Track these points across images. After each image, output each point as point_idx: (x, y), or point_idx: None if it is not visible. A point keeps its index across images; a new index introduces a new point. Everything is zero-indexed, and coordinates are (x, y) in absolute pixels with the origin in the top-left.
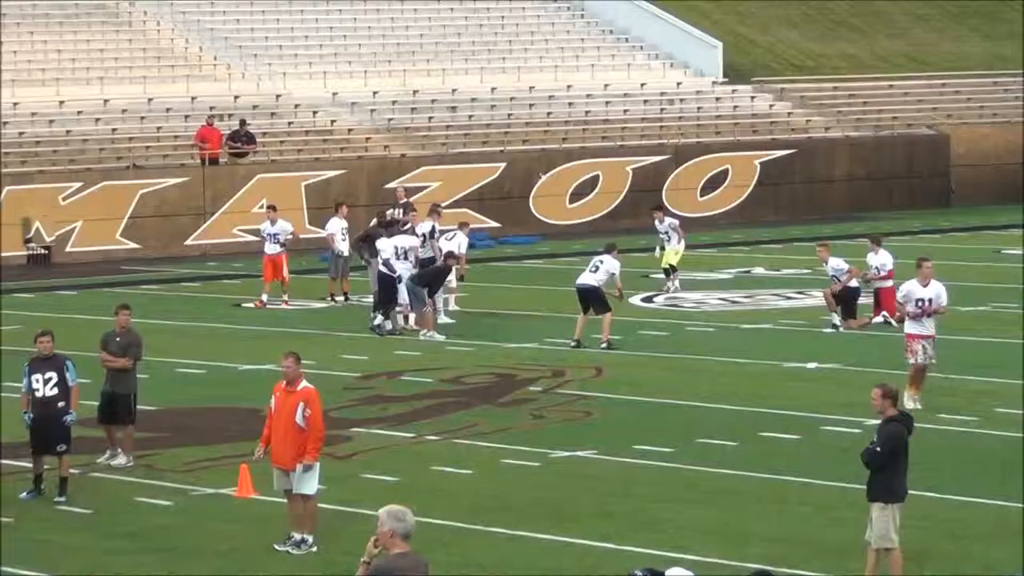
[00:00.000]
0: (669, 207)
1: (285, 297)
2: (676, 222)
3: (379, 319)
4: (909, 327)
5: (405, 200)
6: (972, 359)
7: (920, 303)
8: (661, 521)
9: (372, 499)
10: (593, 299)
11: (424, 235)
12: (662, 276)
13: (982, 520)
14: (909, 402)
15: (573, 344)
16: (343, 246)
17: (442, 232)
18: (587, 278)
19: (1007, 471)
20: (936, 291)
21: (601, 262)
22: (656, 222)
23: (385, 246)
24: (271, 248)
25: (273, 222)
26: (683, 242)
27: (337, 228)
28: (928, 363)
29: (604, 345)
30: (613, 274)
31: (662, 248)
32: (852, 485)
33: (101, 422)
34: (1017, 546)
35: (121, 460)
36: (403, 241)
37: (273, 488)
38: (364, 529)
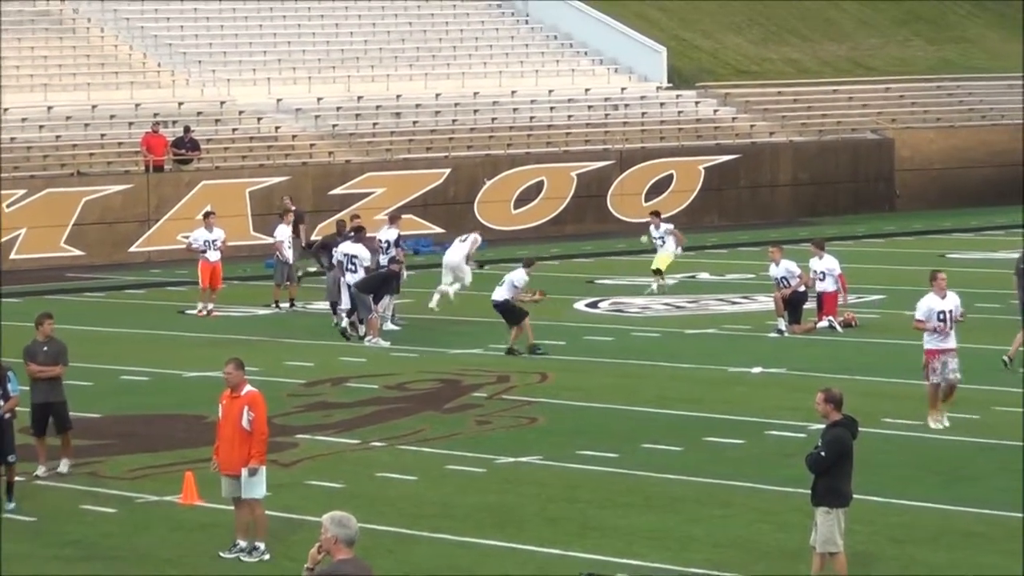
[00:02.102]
0: (614, 213)
1: (211, 306)
2: (672, 227)
3: (345, 322)
4: (929, 343)
5: (293, 208)
6: (916, 363)
7: (941, 315)
8: (606, 526)
9: (317, 506)
10: (505, 312)
11: (388, 242)
12: (650, 277)
13: (926, 524)
14: (933, 423)
15: (506, 352)
16: (289, 253)
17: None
18: (497, 293)
19: (951, 475)
20: (955, 302)
21: (510, 280)
22: (652, 227)
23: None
24: (214, 256)
25: (211, 229)
26: (680, 248)
27: (285, 235)
28: (954, 379)
29: (530, 346)
30: (516, 286)
31: (653, 251)
32: (797, 489)
33: (37, 434)
34: (961, 550)
35: (66, 466)
36: (351, 249)
37: (220, 495)
38: (309, 535)
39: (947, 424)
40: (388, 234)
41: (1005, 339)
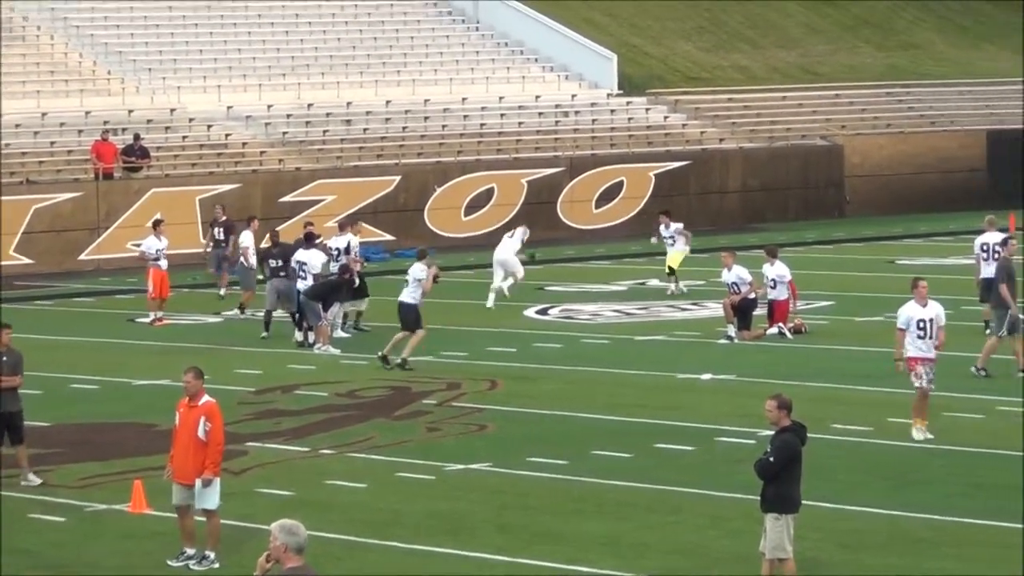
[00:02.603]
0: (565, 219)
1: (161, 314)
2: (681, 226)
3: (299, 336)
4: (912, 350)
5: (225, 218)
6: (866, 369)
7: (922, 323)
8: (556, 533)
9: (267, 513)
10: (407, 316)
11: (339, 249)
12: (664, 279)
13: (876, 530)
14: (919, 434)
15: (379, 356)
16: (255, 259)
17: None
18: (404, 295)
19: (900, 480)
20: (936, 311)
21: (412, 275)
22: (662, 227)
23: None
24: (164, 263)
25: (160, 237)
26: (688, 246)
27: (250, 241)
28: (930, 388)
29: (399, 362)
30: (420, 279)
31: (664, 252)
32: (746, 496)
33: None
34: (910, 555)
35: (34, 478)
36: (301, 256)
37: (169, 503)
38: (259, 544)
39: (930, 436)
40: (339, 241)
41: (954, 344)
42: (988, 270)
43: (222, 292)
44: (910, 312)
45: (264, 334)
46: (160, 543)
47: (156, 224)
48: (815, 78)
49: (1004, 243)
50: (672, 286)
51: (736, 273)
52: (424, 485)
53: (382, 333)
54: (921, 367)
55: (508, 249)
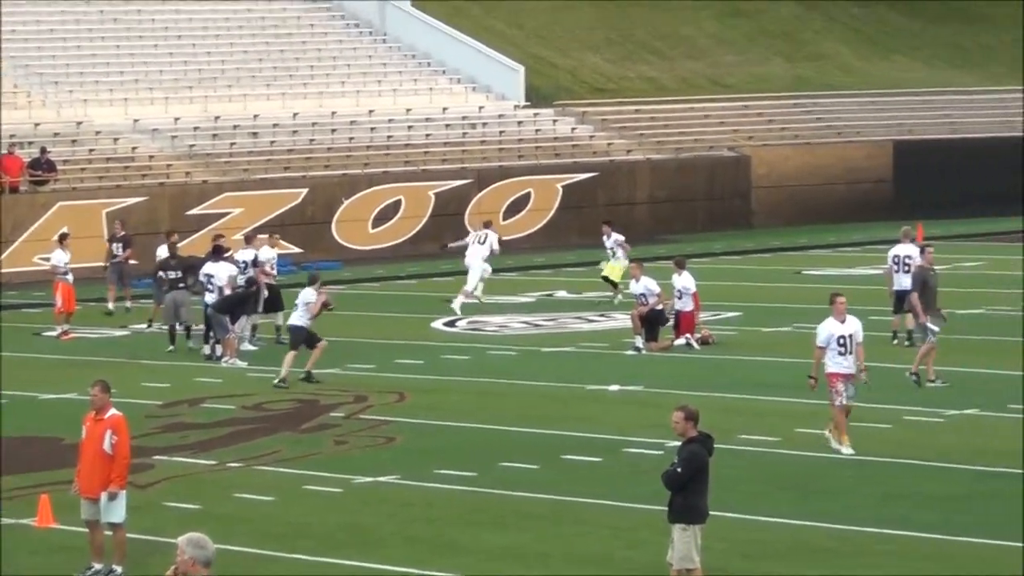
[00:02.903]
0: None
1: (67, 327)
2: (622, 238)
3: (207, 349)
4: (831, 366)
5: (123, 233)
6: (773, 379)
7: (841, 340)
8: (462, 545)
9: (174, 527)
10: (299, 338)
11: (246, 263)
12: (606, 289)
13: (780, 540)
14: (841, 447)
15: (276, 383)
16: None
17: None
18: (293, 318)
19: (805, 491)
20: (855, 327)
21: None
22: (604, 237)
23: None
24: (71, 277)
25: (66, 251)
26: (627, 259)
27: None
28: (850, 403)
29: (304, 375)
30: (308, 303)
31: (606, 261)
32: (653, 506)
33: None
34: (815, 566)
35: None
36: (208, 268)
37: (76, 518)
38: (166, 557)
39: (852, 451)
40: (245, 254)
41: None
42: (900, 281)
43: (110, 306)
44: (830, 329)
45: (171, 348)
46: (67, 557)
47: (62, 238)
48: (722, 89)
49: (922, 252)
50: (617, 297)
51: (644, 284)
52: (331, 498)
53: (282, 346)
54: (841, 383)
55: (479, 254)
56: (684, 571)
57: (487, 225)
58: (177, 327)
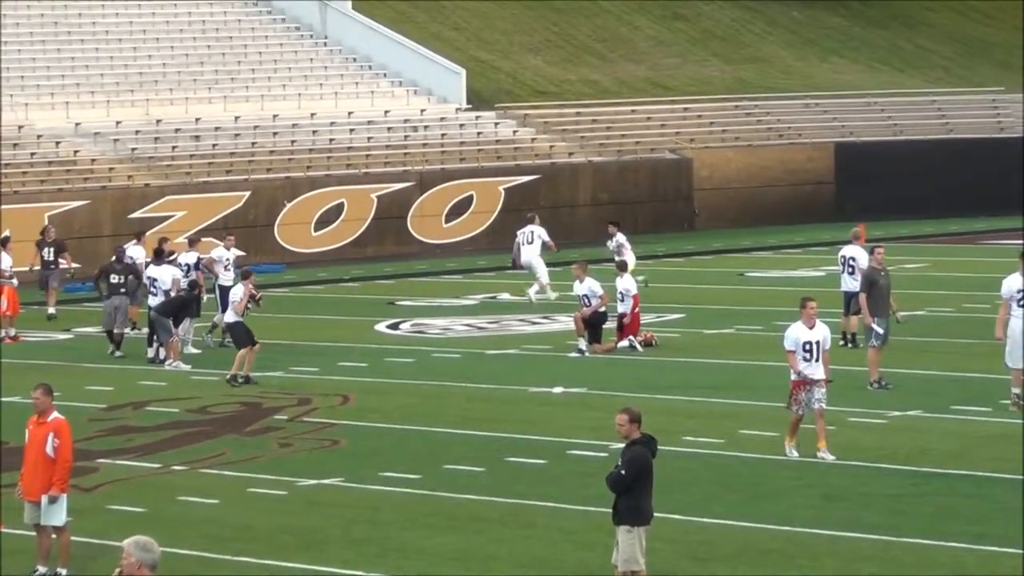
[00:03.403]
0: (415, 233)
1: (14, 331)
2: (623, 238)
3: (151, 353)
4: (794, 374)
5: (55, 239)
6: (716, 381)
7: (808, 346)
8: (408, 548)
9: (118, 530)
10: (236, 334)
11: (188, 265)
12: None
13: (727, 541)
14: (792, 451)
15: (228, 379)
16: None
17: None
18: (228, 316)
19: (751, 492)
20: (823, 333)
21: (232, 296)
22: (608, 239)
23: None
24: (15, 281)
25: (10, 254)
26: (633, 255)
27: (140, 255)
28: (819, 408)
29: (243, 379)
30: (238, 300)
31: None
32: (598, 508)
33: None
34: (761, 567)
35: None
36: (152, 272)
37: (22, 521)
38: (111, 560)
39: (832, 457)
40: (188, 257)
41: None
42: (846, 282)
43: (51, 311)
44: (797, 333)
45: (118, 352)
46: (12, 561)
47: (4, 241)
48: (664, 91)
49: (871, 252)
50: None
51: (588, 285)
52: (276, 500)
53: (224, 349)
54: (803, 392)
55: (533, 252)
56: (629, 573)
57: (531, 220)
58: (125, 332)
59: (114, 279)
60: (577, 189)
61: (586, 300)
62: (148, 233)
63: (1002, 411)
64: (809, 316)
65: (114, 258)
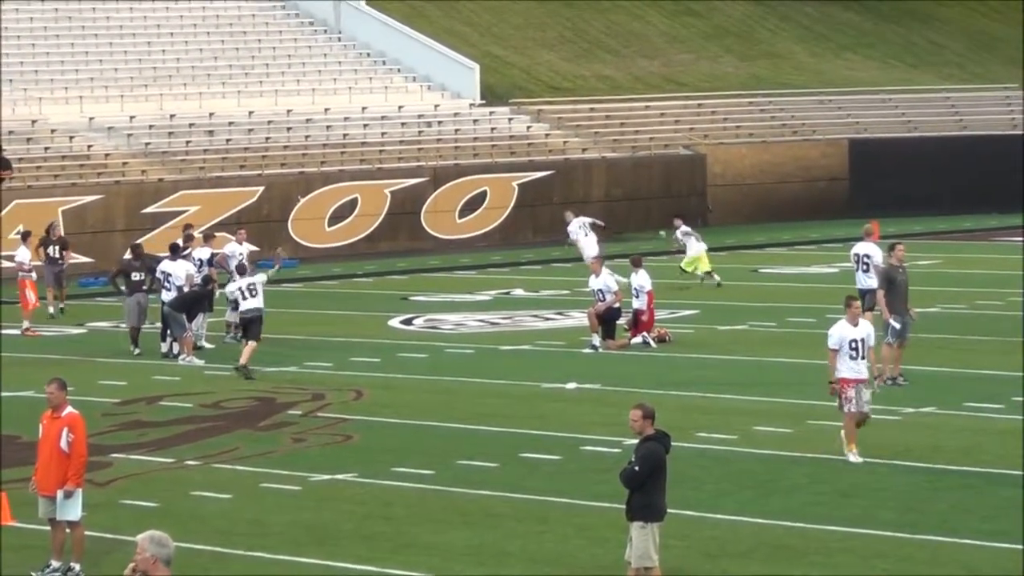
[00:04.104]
0: (428, 229)
1: (28, 324)
2: (688, 228)
3: (164, 347)
4: (843, 371)
5: (60, 235)
6: (730, 377)
7: (854, 343)
8: (422, 543)
9: (131, 525)
10: (254, 324)
11: (201, 261)
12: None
13: (740, 538)
14: (852, 457)
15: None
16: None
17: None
18: (252, 303)
19: (764, 488)
20: (868, 330)
21: (253, 285)
22: (675, 231)
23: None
24: (34, 275)
25: (30, 248)
26: (701, 242)
27: (235, 252)
28: (868, 410)
29: (241, 368)
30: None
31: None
32: (612, 504)
33: None
34: (775, 564)
35: None
36: (166, 267)
37: (34, 515)
38: (124, 555)
39: (859, 460)
40: (202, 253)
41: (819, 353)
42: (862, 280)
43: (51, 310)
44: (843, 332)
45: (137, 350)
46: (25, 555)
47: (25, 236)
48: (677, 87)
49: (891, 249)
50: (704, 280)
51: (603, 280)
52: (289, 496)
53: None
54: (852, 389)
55: (591, 243)
56: (642, 569)
57: (577, 215)
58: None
59: (135, 276)
60: (591, 185)
61: (600, 295)
62: (162, 228)
63: (1015, 408)
64: (854, 315)
65: (131, 254)
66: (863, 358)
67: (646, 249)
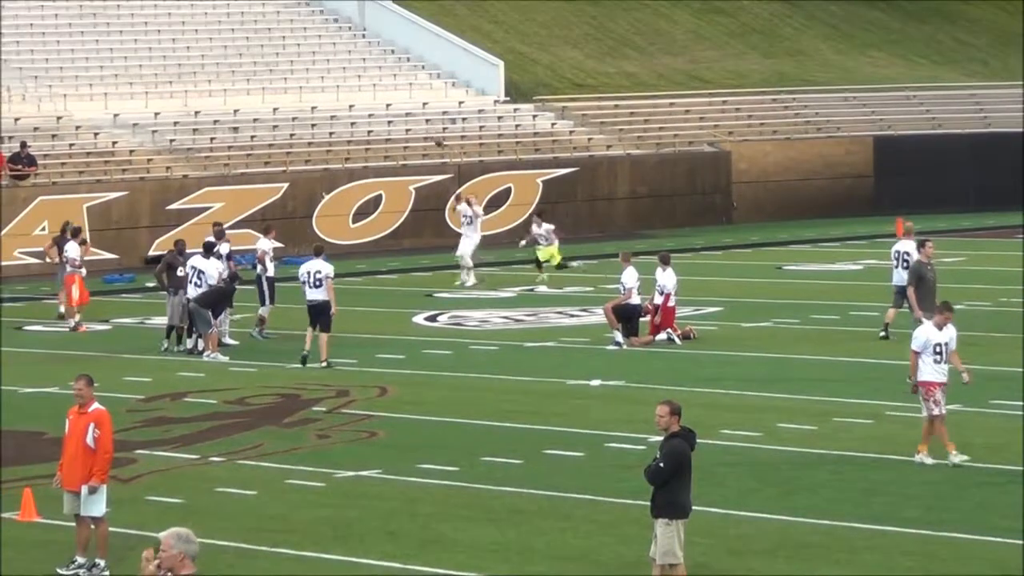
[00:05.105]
0: (453, 227)
1: (78, 319)
2: (551, 226)
3: (189, 343)
4: (926, 374)
5: (82, 238)
6: (754, 374)
7: (938, 347)
8: (446, 540)
9: (156, 521)
10: (324, 314)
11: (220, 255)
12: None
13: (765, 535)
14: (926, 459)
15: (305, 355)
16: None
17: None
18: (315, 293)
19: (789, 486)
20: (951, 334)
21: (319, 272)
22: (534, 226)
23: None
24: (84, 270)
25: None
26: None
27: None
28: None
29: (324, 364)
30: (329, 277)
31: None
32: (636, 501)
33: None
34: (799, 561)
35: None
36: (198, 264)
37: (59, 512)
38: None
39: (965, 458)
40: (221, 249)
41: (843, 350)
42: (900, 276)
43: (62, 309)
44: (927, 334)
45: (177, 347)
46: (50, 551)
47: (75, 232)
48: (702, 84)
49: (920, 246)
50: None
51: (624, 276)
52: (314, 492)
53: (264, 340)
54: (939, 392)
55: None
56: (667, 566)
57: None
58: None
59: (180, 272)
60: (615, 182)
61: (623, 287)
62: (187, 224)
63: None
64: (943, 320)
65: (176, 251)
66: (946, 362)
67: (670, 246)
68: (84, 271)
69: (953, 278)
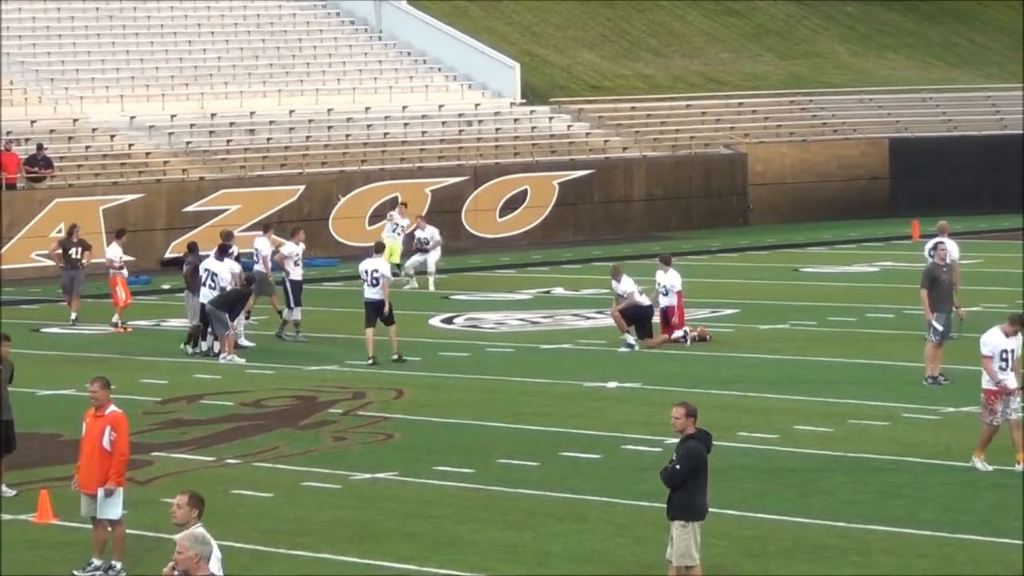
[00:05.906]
0: (469, 228)
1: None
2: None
3: (205, 346)
4: (991, 383)
5: (80, 239)
6: (771, 376)
7: (1005, 354)
8: (462, 542)
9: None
10: (381, 312)
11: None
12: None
13: (781, 537)
14: (980, 465)
15: (370, 362)
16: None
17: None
18: (373, 292)
19: (805, 488)
20: (1019, 341)
21: (376, 271)
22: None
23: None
24: (125, 272)
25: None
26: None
27: (293, 252)
28: (1016, 419)
29: (395, 357)
30: (387, 276)
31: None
32: (653, 503)
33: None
34: (815, 563)
35: (8, 490)
36: (212, 266)
37: (76, 514)
38: (164, 554)
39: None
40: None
41: (859, 352)
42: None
43: (73, 316)
44: (996, 340)
45: (193, 349)
46: (66, 553)
47: (120, 233)
48: (718, 86)
49: (934, 248)
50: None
51: (622, 286)
52: (330, 494)
53: (280, 342)
54: (1000, 402)
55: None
56: (683, 568)
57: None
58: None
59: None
60: (631, 184)
61: (620, 298)
62: (204, 227)
63: None
64: (1012, 329)
65: (190, 252)
66: (1011, 369)
67: (686, 248)
68: (125, 272)
69: (969, 280)
